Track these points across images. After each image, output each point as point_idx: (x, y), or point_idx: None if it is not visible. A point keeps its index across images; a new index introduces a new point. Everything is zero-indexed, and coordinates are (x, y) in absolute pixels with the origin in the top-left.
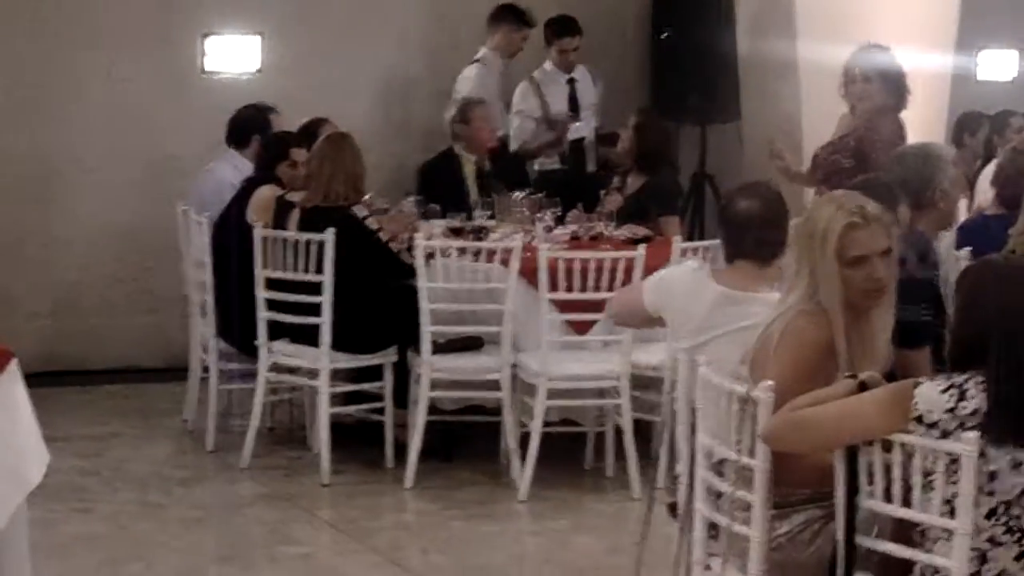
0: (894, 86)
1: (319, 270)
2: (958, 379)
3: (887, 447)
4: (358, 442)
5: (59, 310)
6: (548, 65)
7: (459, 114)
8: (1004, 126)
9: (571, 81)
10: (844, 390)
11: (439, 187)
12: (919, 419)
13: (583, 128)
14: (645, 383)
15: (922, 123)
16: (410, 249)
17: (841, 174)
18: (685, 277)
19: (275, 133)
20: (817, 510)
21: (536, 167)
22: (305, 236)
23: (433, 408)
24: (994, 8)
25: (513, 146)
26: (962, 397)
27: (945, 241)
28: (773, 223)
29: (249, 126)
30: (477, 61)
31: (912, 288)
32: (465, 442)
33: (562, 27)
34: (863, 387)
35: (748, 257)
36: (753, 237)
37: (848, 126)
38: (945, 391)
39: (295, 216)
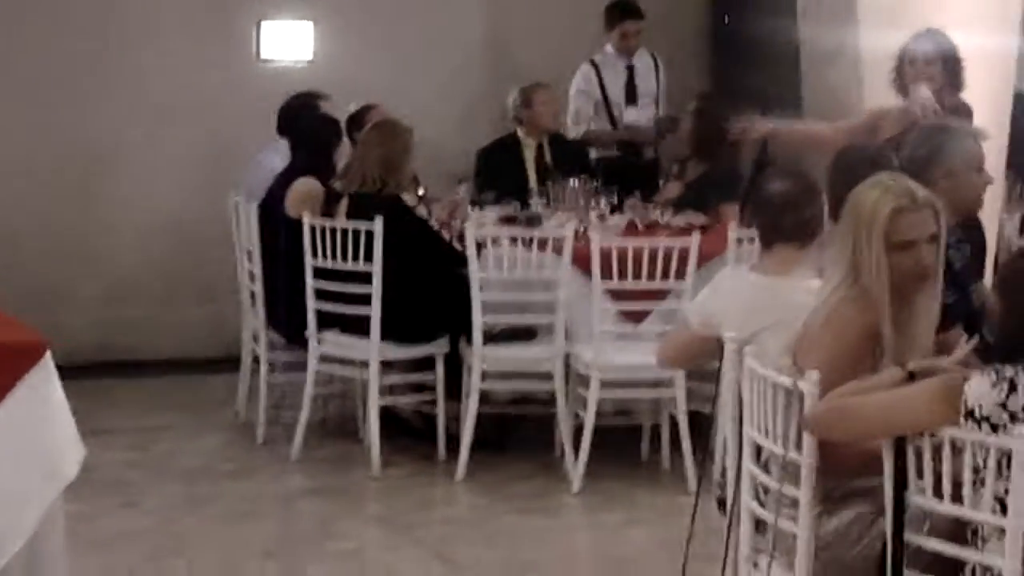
0: (953, 70)
1: (368, 259)
2: (1008, 371)
3: (936, 441)
4: (410, 434)
5: (113, 300)
6: (609, 48)
7: (521, 97)
8: None
9: (630, 67)
10: (891, 379)
11: (498, 172)
12: (970, 413)
13: (640, 115)
14: (701, 374)
15: (988, 106)
16: (461, 237)
17: None
18: (722, 282)
19: (321, 115)
20: (865, 506)
21: (594, 154)
22: (353, 225)
23: (485, 399)
24: None
25: (570, 127)
26: (1013, 390)
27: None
28: (808, 202)
29: (297, 113)
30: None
31: None
32: (518, 434)
33: (624, 10)
34: (911, 377)
35: (787, 240)
36: (791, 218)
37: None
38: (995, 384)
39: (344, 204)
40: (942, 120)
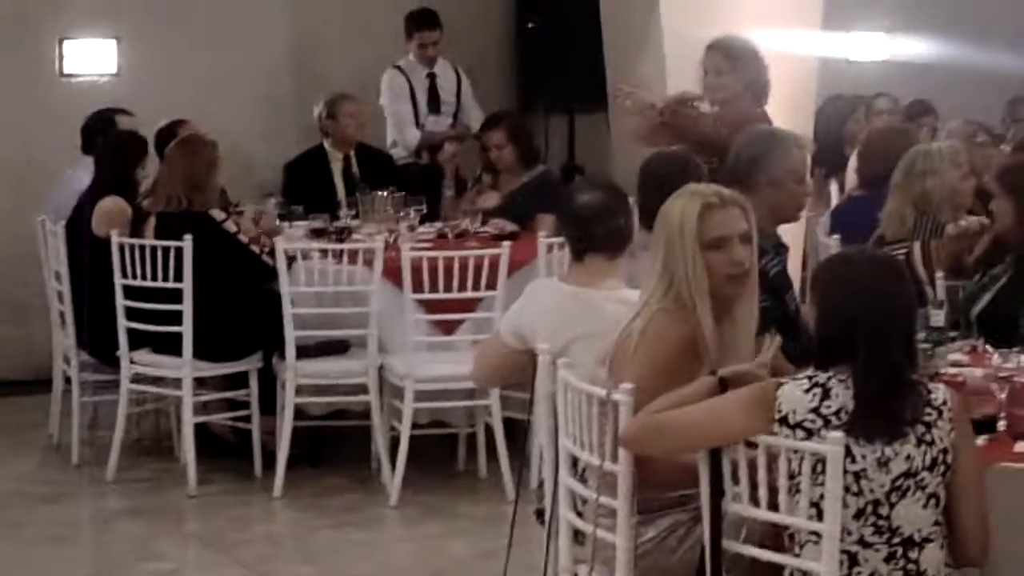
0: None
1: (178, 277)
2: (821, 377)
3: (751, 453)
4: (226, 451)
5: None
6: (411, 57)
7: (326, 109)
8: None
9: (431, 75)
10: (704, 389)
11: (306, 185)
12: (783, 420)
13: (439, 123)
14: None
15: (791, 107)
16: (272, 252)
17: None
18: (534, 295)
19: (125, 132)
20: (683, 514)
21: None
22: (162, 243)
23: (300, 414)
24: None
25: (393, 132)
26: (826, 396)
27: (820, 227)
28: (618, 212)
29: (97, 129)
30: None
31: None
32: (334, 448)
33: (419, 20)
34: (723, 384)
35: (598, 250)
36: (601, 229)
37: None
38: (808, 390)
39: (151, 223)
40: (768, 126)
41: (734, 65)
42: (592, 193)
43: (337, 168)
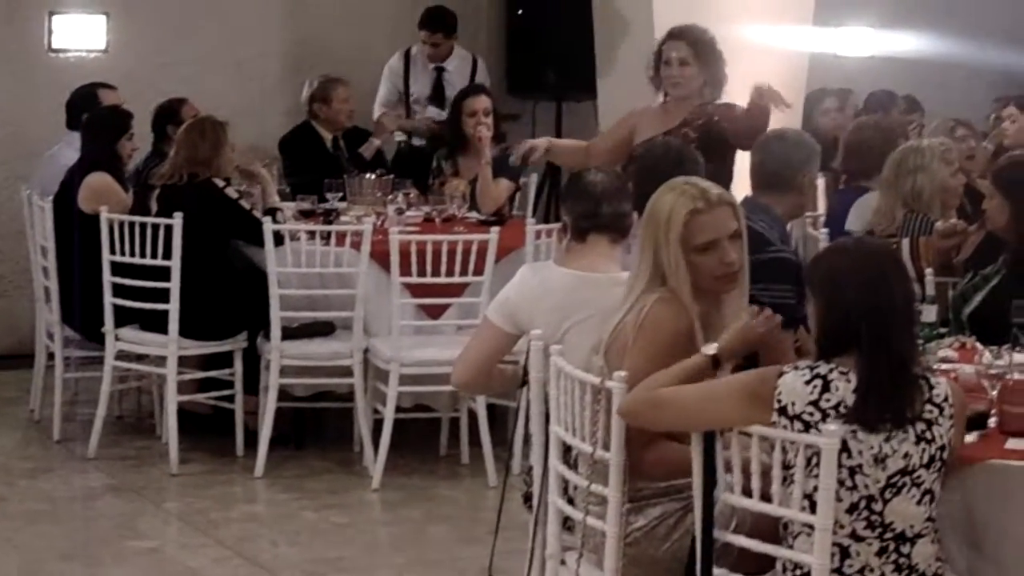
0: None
1: (167, 255)
2: (823, 368)
3: (745, 440)
4: (209, 431)
5: None
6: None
7: (319, 92)
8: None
9: (439, 69)
10: (696, 365)
11: (302, 159)
12: (782, 410)
13: (441, 116)
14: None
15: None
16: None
17: None
18: (527, 280)
19: (109, 107)
20: (673, 503)
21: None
22: (152, 220)
23: (284, 395)
24: None
25: (376, 109)
26: (826, 389)
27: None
28: (625, 196)
29: (80, 105)
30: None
31: (778, 266)
32: (317, 429)
33: (424, 19)
34: (716, 361)
35: (602, 231)
36: (609, 209)
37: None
38: (809, 382)
39: (155, 195)
40: (797, 131)
41: (699, 57)
42: (602, 174)
43: (326, 149)
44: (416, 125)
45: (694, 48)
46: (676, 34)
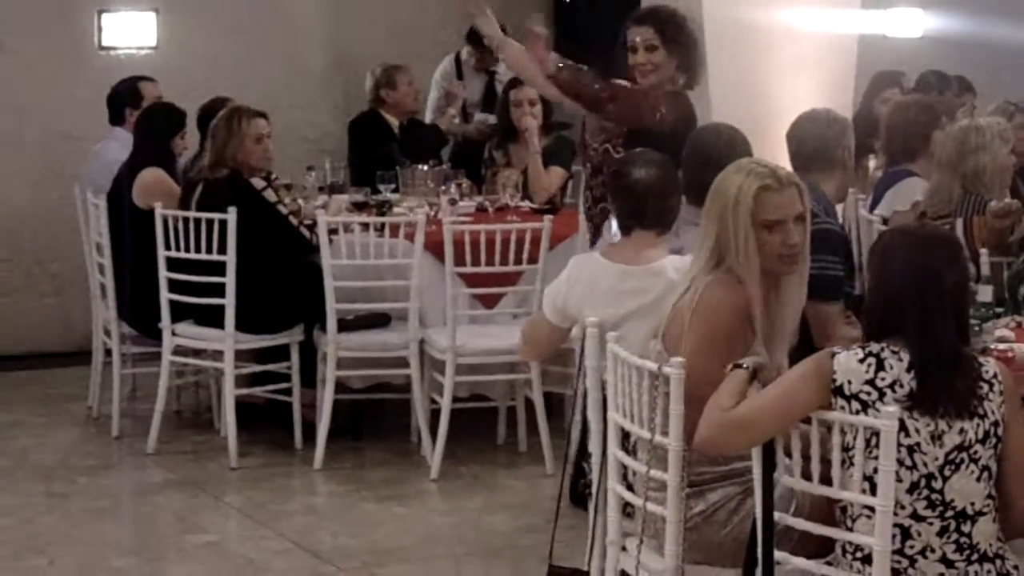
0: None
1: (222, 250)
2: (875, 347)
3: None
4: (267, 423)
5: None
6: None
7: (384, 77)
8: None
9: (490, 73)
10: (739, 381)
11: (370, 142)
12: (839, 390)
13: (490, 120)
14: (555, 355)
15: (833, 84)
16: (311, 226)
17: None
18: (578, 271)
19: (164, 104)
20: (733, 487)
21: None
22: (206, 216)
23: (341, 387)
24: None
25: (427, 113)
26: (880, 367)
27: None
28: (671, 190)
29: (123, 99)
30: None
31: (825, 238)
32: (374, 421)
33: (470, 34)
34: (754, 374)
35: (648, 226)
36: (654, 207)
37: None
38: (863, 360)
39: (198, 192)
40: (827, 110)
41: (668, 41)
42: (647, 169)
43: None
44: (467, 129)
45: (661, 31)
46: (638, 18)
